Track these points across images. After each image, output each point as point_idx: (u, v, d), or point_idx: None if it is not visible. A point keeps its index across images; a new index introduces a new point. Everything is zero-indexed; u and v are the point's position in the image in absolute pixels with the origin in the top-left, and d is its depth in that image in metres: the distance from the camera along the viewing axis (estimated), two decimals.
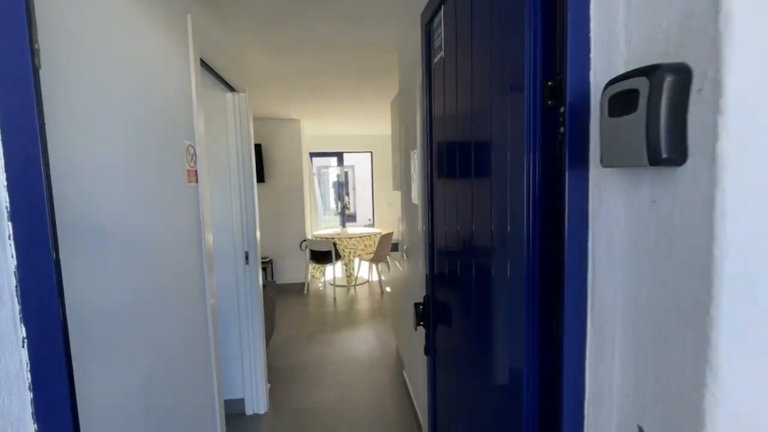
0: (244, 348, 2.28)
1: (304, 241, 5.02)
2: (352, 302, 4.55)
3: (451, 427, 1.14)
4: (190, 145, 1.26)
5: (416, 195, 2.03)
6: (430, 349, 1.29)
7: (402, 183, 2.41)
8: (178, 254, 1.16)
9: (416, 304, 1.29)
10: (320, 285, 5.31)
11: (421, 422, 2.12)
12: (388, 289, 5.00)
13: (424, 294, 1.31)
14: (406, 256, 2.41)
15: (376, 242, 5.04)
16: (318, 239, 4.89)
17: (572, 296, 0.54)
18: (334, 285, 5.11)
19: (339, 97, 3.64)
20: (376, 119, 4.95)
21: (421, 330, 2.00)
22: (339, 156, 6.78)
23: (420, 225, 1.95)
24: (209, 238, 1.39)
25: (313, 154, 6.45)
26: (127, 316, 0.89)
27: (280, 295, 4.86)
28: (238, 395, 2.34)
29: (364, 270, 5.80)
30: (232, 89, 2.11)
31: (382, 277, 5.29)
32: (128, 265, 0.89)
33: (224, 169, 2.20)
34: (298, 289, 5.03)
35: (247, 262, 2.25)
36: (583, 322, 0.54)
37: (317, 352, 3.19)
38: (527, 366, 0.63)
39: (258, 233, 2.32)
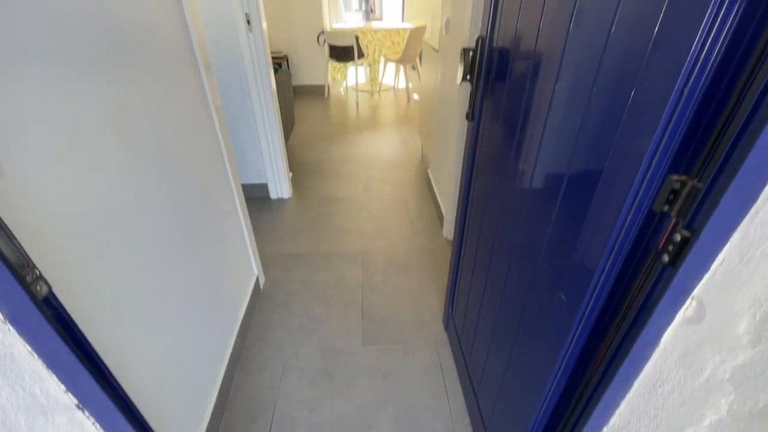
0: (260, 131, 2.13)
1: (322, 33, 4.33)
2: (376, 108, 4.23)
3: (487, 213, 0.98)
4: None
5: None
6: (474, 114, 1.03)
7: None
8: None
9: (465, 50, 0.95)
10: (342, 89, 4.89)
11: (443, 213, 2.10)
12: (415, 96, 4.57)
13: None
14: (446, 31, 1.93)
15: (405, 38, 4.31)
16: (338, 32, 4.19)
17: None
18: (356, 90, 4.69)
19: None
20: None
21: (451, 129, 1.72)
22: None
23: None
24: None
25: None
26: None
27: (298, 98, 4.54)
28: (261, 180, 2.34)
29: (389, 78, 5.22)
30: None
31: (410, 84, 4.77)
32: None
33: None
34: (318, 92, 4.66)
35: (250, 29, 1.84)
36: None
37: (340, 151, 3.09)
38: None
39: None
